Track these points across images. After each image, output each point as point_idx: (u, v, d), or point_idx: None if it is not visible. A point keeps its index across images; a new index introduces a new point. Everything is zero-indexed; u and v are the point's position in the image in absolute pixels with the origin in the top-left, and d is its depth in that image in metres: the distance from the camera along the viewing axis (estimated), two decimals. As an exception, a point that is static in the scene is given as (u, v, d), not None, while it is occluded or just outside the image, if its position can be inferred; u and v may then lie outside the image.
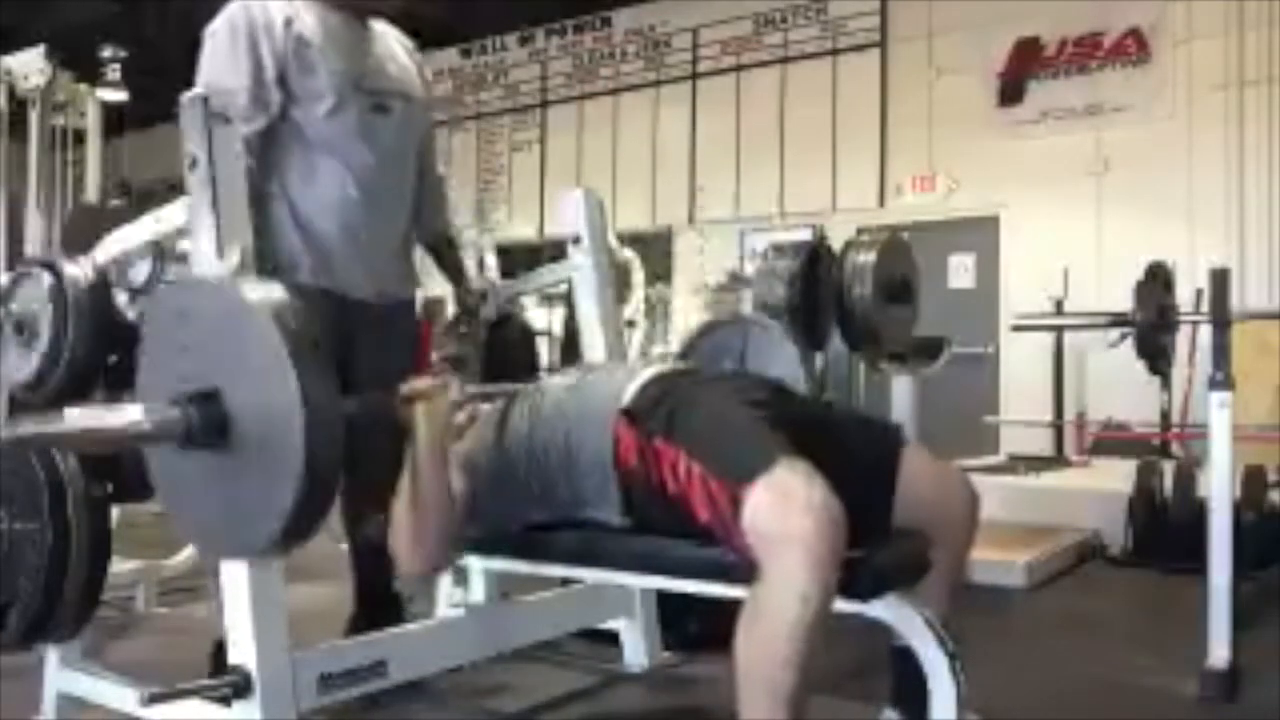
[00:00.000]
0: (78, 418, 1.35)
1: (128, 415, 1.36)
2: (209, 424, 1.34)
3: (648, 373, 1.64)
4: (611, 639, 2.49)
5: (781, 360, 2.37)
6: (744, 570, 1.37)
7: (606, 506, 1.60)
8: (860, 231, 3.03)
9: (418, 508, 1.61)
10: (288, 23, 2.08)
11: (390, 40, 2.32)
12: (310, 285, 2.05)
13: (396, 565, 1.71)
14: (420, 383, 1.64)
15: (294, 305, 1.34)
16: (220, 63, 2.06)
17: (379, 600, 2.37)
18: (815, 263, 2.68)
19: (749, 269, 6.66)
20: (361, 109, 2.16)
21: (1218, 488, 2.38)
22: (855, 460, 1.58)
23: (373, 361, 2.11)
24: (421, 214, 2.39)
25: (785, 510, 1.32)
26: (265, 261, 1.93)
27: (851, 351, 3.07)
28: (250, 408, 1.32)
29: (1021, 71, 6.50)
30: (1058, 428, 6.10)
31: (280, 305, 1.33)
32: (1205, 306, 2.69)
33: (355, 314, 2.14)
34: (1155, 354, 2.68)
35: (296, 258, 2.10)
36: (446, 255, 2.51)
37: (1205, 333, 2.61)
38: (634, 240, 6.35)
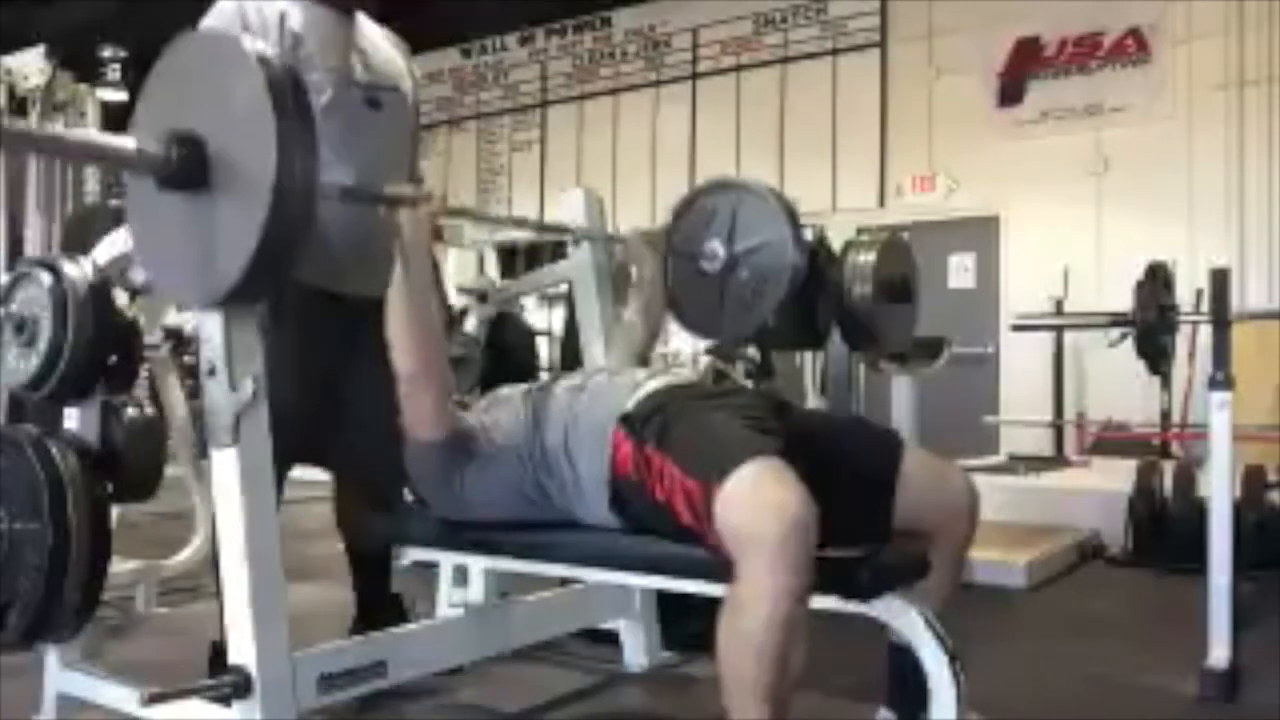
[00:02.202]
0: (76, 133, 1.42)
1: (118, 141, 1.44)
2: (189, 163, 1.39)
3: (651, 385, 1.65)
4: (611, 639, 2.49)
5: (772, 224, 2.37)
6: (725, 569, 1.37)
7: (599, 510, 1.61)
8: (860, 231, 3.02)
9: (412, 311, 1.64)
10: (282, 19, 2.09)
11: (376, 35, 2.32)
12: (309, 283, 2.05)
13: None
14: (404, 187, 1.67)
15: (286, 65, 1.41)
16: None
17: (380, 600, 2.38)
18: (815, 262, 2.68)
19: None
20: (355, 103, 2.16)
21: (1218, 488, 2.38)
22: (854, 466, 1.59)
23: (371, 359, 2.10)
24: None
25: (751, 510, 1.33)
26: None
27: (851, 351, 3.07)
28: (230, 154, 1.38)
29: (1021, 71, 6.50)
30: (1058, 428, 6.10)
31: (273, 61, 1.39)
32: (1205, 306, 2.69)
33: (353, 311, 2.14)
34: (1155, 354, 2.68)
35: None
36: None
37: (1205, 333, 2.62)
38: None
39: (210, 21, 2.07)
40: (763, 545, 1.30)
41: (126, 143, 1.43)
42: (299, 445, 2.09)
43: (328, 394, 2.15)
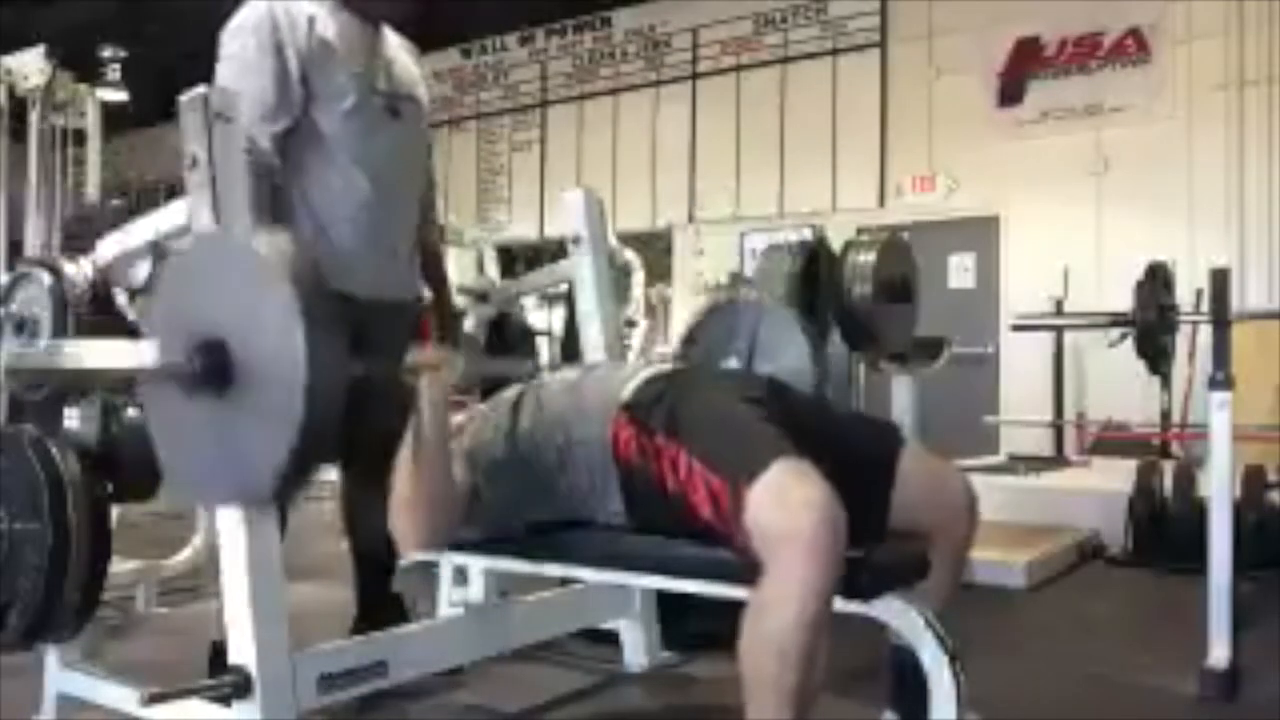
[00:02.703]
0: (95, 350, 1.39)
1: (140, 353, 1.43)
2: (213, 370, 1.37)
3: (647, 371, 1.65)
4: (611, 639, 2.49)
5: (792, 348, 2.36)
6: (745, 570, 1.37)
7: (606, 503, 1.61)
8: (860, 231, 3.02)
9: (419, 481, 1.61)
10: (311, 23, 2.10)
11: (397, 45, 2.34)
12: (328, 287, 2.06)
13: (398, 550, 1.70)
14: (426, 353, 1.64)
15: (306, 261, 1.38)
16: (246, 61, 2.06)
17: (380, 601, 2.38)
18: (815, 263, 2.68)
19: (749, 269, 6.66)
20: (376, 111, 2.18)
21: (1218, 488, 2.38)
22: (853, 459, 1.58)
23: (380, 357, 2.11)
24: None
25: (786, 509, 1.32)
26: None
27: (851, 351, 3.07)
28: (255, 359, 1.35)
29: (1021, 71, 6.50)
30: (1058, 428, 6.10)
31: (292, 259, 1.36)
32: (1205, 306, 2.69)
33: (367, 314, 2.15)
34: (1155, 354, 2.68)
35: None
36: (431, 263, 2.50)
37: (1205, 333, 2.62)
38: (634, 240, 6.35)
39: (243, 24, 2.08)
40: (794, 544, 1.29)
41: (148, 357, 1.40)
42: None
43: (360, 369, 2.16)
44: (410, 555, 1.70)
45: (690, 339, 2.46)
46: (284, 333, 1.30)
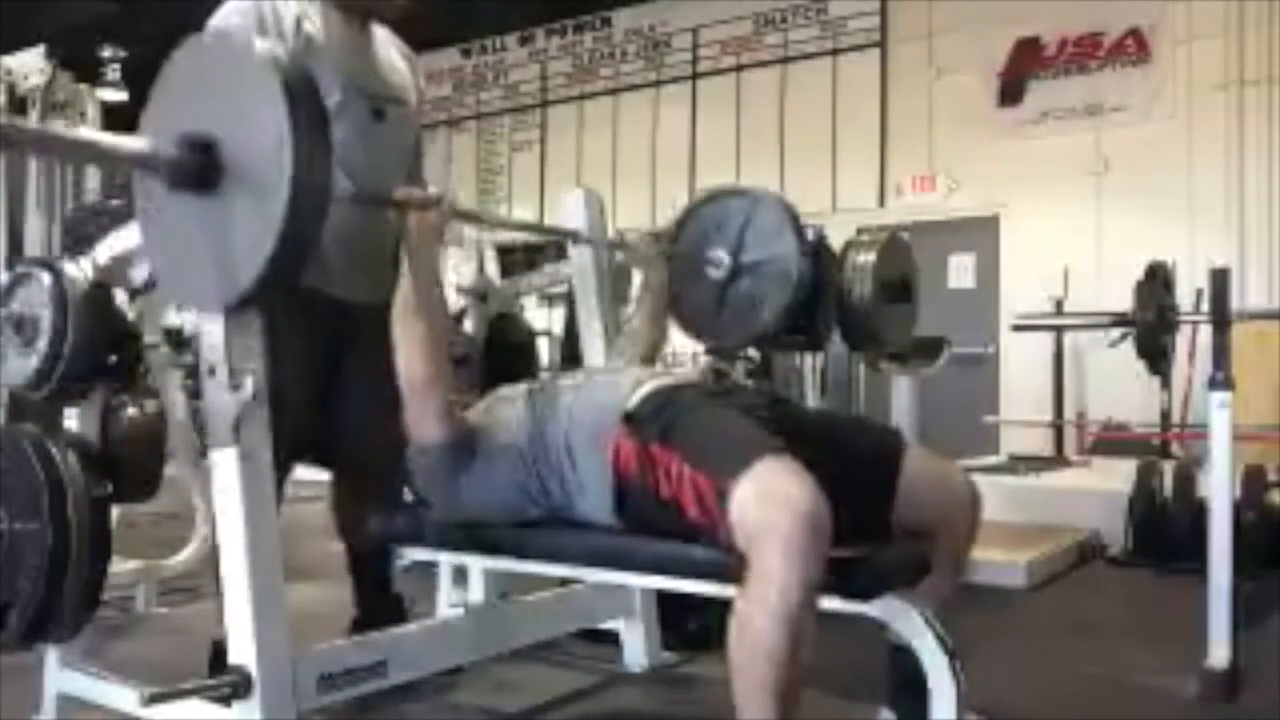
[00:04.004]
0: (81, 132, 1.40)
1: (129, 141, 1.42)
2: (201, 166, 1.38)
3: (651, 384, 1.65)
4: (611, 639, 2.49)
5: (781, 238, 2.36)
6: (734, 566, 1.37)
7: (602, 508, 1.61)
8: (860, 231, 3.02)
9: (415, 318, 1.65)
10: (298, 21, 2.09)
11: (389, 46, 2.32)
12: (308, 287, 2.05)
13: (409, 426, 1.69)
14: (413, 190, 1.68)
15: (301, 66, 1.40)
16: None
17: (380, 600, 2.38)
18: (815, 263, 2.68)
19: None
20: (360, 112, 2.16)
21: (1218, 488, 2.38)
22: (855, 463, 1.59)
23: (369, 363, 2.11)
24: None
25: (768, 505, 1.33)
26: None
27: (851, 351, 3.07)
28: (244, 158, 1.37)
29: (1021, 71, 6.51)
30: (1058, 428, 6.10)
31: (286, 62, 1.38)
32: (1205, 306, 2.69)
33: (351, 316, 2.14)
34: (1155, 354, 2.68)
35: None
36: None
37: (1205, 333, 2.61)
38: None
39: (227, 19, 2.05)
40: (777, 538, 1.30)
41: (138, 144, 1.42)
42: (298, 446, 2.10)
43: (324, 394, 2.15)
44: (426, 438, 1.69)
45: (680, 229, 2.45)
46: (272, 133, 1.32)
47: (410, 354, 1.67)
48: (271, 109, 1.33)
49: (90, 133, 1.50)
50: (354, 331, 2.13)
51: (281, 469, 2.11)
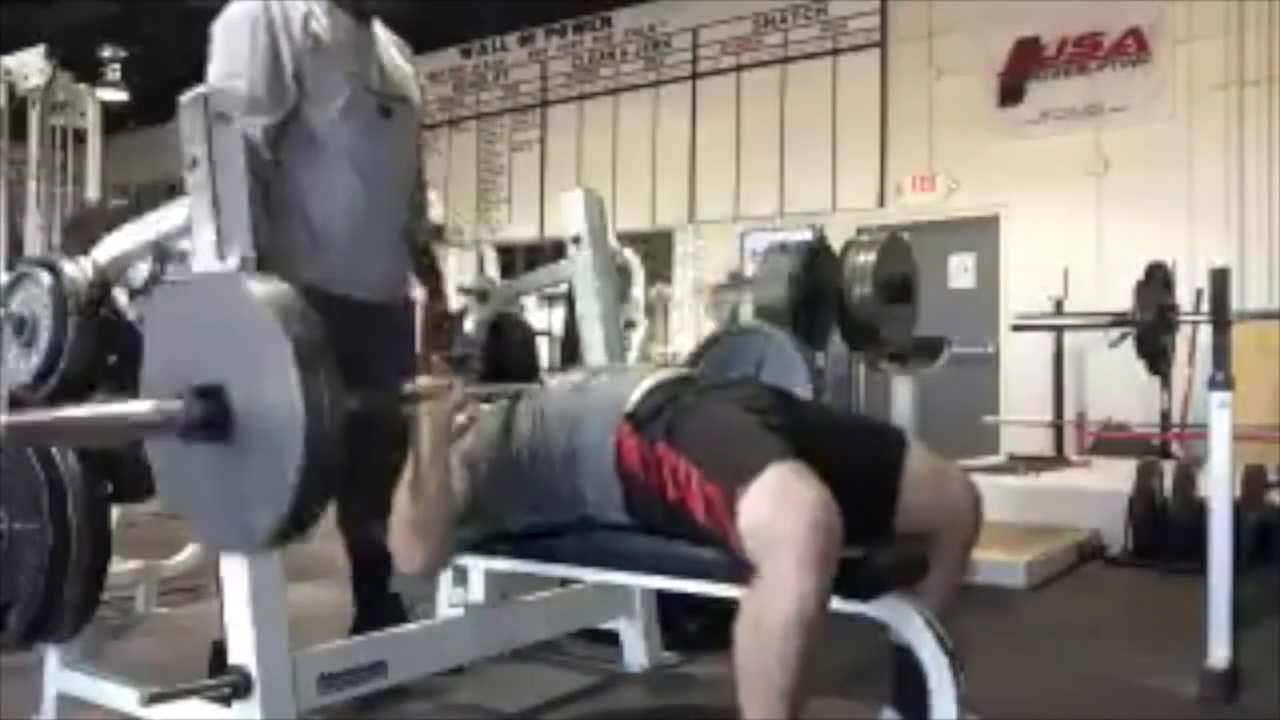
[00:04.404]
0: (83, 410, 1.36)
1: (133, 408, 1.38)
2: (210, 417, 1.33)
3: (652, 379, 1.64)
4: (611, 639, 2.49)
5: (794, 374, 2.38)
6: (743, 570, 1.37)
7: (608, 509, 1.61)
8: (860, 231, 3.03)
9: (419, 508, 1.60)
10: (306, 20, 2.09)
11: (388, 43, 2.33)
12: (316, 285, 2.06)
13: (395, 564, 1.70)
14: (424, 381, 1.63)
15: (300, 302, 1.35)
16: (236, 54, 2.04)
17: (379, 601, 2.38)
18: (815, 263, 2.68)
19: (749, 269, 6.66)
20: (369, 110, 2.17)
21: (1218, 488, 2.38)
22: (858, 463, 1.58)
23: (376, 361, 2.11)
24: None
25: (779, 511, 1.33)
26: (272, 258, 1.94)
27: (851, 351, 3.07)
28: (253, 404, 1.32)
29: (1021, 71, 6.51)
30: (1058, 428, 6.10)
31: (286, 302, 1.34)
32: (1205, 306, 2.69)
33: (358, 314, 2.14)
34: (1155, 354, 2.68)
35: (303, 256, 2.10)
36: (422, 262, 2.50)
37: (1205, 333, 2.61)
38: (634, 240, 6.35)
39: (234, 19, 2.06)
40: (790, 544, 1.29)
41: (143, 409, 1.37)
42: None
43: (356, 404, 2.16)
44: (409, 574, 1.70)
45: (699, 358, 2.48)
46: (280, 381, 1.27)
47: (402, 545, 1.64)
48: (276, 352, 1.28)
49: (92, 414, 1.45)
50: (363, 330, 2.13)
51: None
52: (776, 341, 2.42)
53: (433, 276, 2.51)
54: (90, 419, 1.40)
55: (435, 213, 3.08)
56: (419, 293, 2.53)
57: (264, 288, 1.36)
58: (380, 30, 2.31)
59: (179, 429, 1.34)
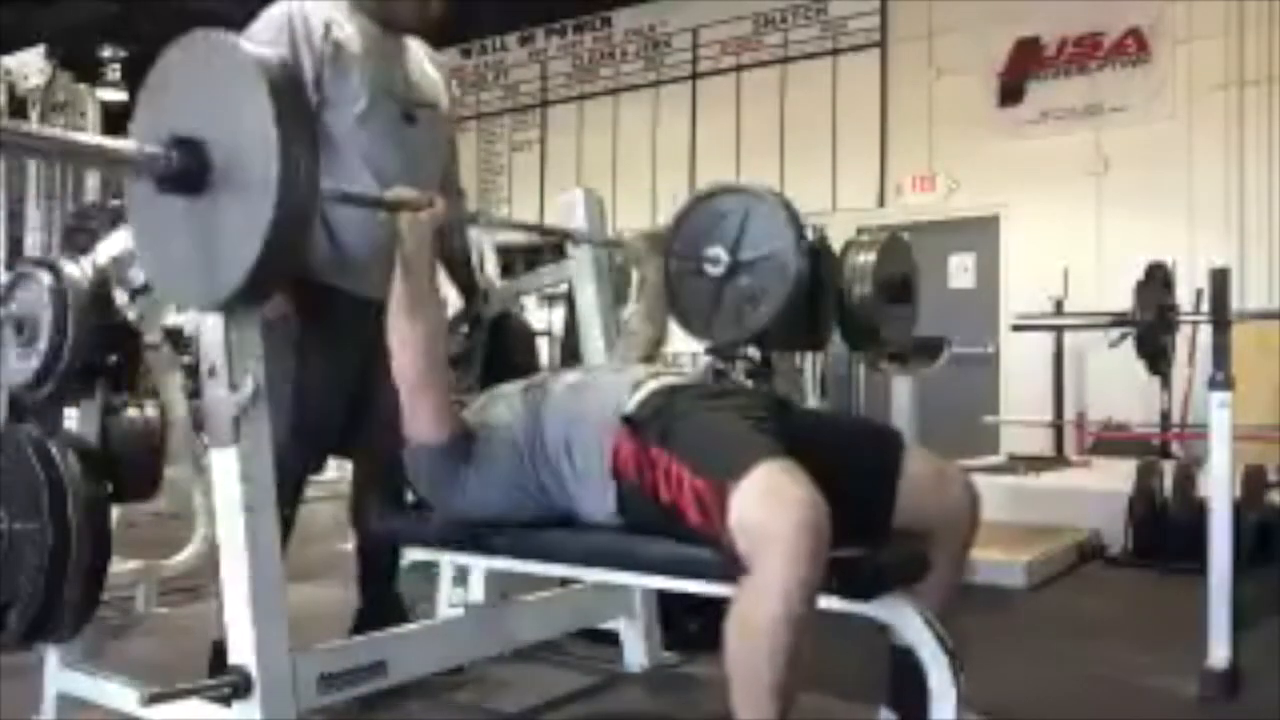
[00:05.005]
0: (76, 135, 1.40)
1: (117, 143, 1.43)
2: (188, 167, 1.38)
3: (651, 384, 1.65)
4: (611, 639, 2.49)
5: (778, 237, 2.36)
6: (735, 570, 1.37)
7: (601, 509, 1.61)
8: (860, 231, 3.03)
9: (410, 317, 1.65)
10: (327, 27, 2.11)
11: (421, 54, 2.34)
12: (336, 288, 2.09)
13: (409, 425, 1.69)
14: (405, 191, 1.69)
15: (287, 66, 1.41)
16: None
17: (383, 601, 2.38)
18: (815, 263, 2.68)
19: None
20: (391, 116, 2.18)
21: (1218, 488, 2.38)
22: (856, 465, 1.59)
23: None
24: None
25: (768, 508, 1.33)
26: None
27: (851, 351, 3.07)
28: (232, 160, 1.37)
29: (1021, 71, 6.51)
30: (1058, 428, 6.11)
31: (274, 65, 1.38)
32: (1205, 306, 2.69)
33: (378, 315, 2.15)
34: (1155, 354, 2.68)
35: (322, 258, 2.11)
36: (459, 270, 2.51)
37: (1205, 333, 2.61)
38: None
39: (260, 27, 2.10)
40: (778, 542, 1.30)
41: (126, 145, 1.43)
42: (326, 447, 2.12)
43: (352, 393, 2.17)
44: (423, 437, 1.69)
45: (677, 227, 2.45)
46: (259, 136, 1.32)
47: (403, 355, 1.66)
48: (258, 111, 1.33)
49: (77, 134, 1.51)
50: (380, 330, 2.14)
51: (308, 469, 2.13)
52: (761, 203, 2.39)
53: (466, 287, 2.51)
54: (74, 142, 1.45)
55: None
56: (453, 297, 2.54)
57: (254, 49, 1.40)
58: (413, 41, 2.32)
59: (157, 174, 1.40)
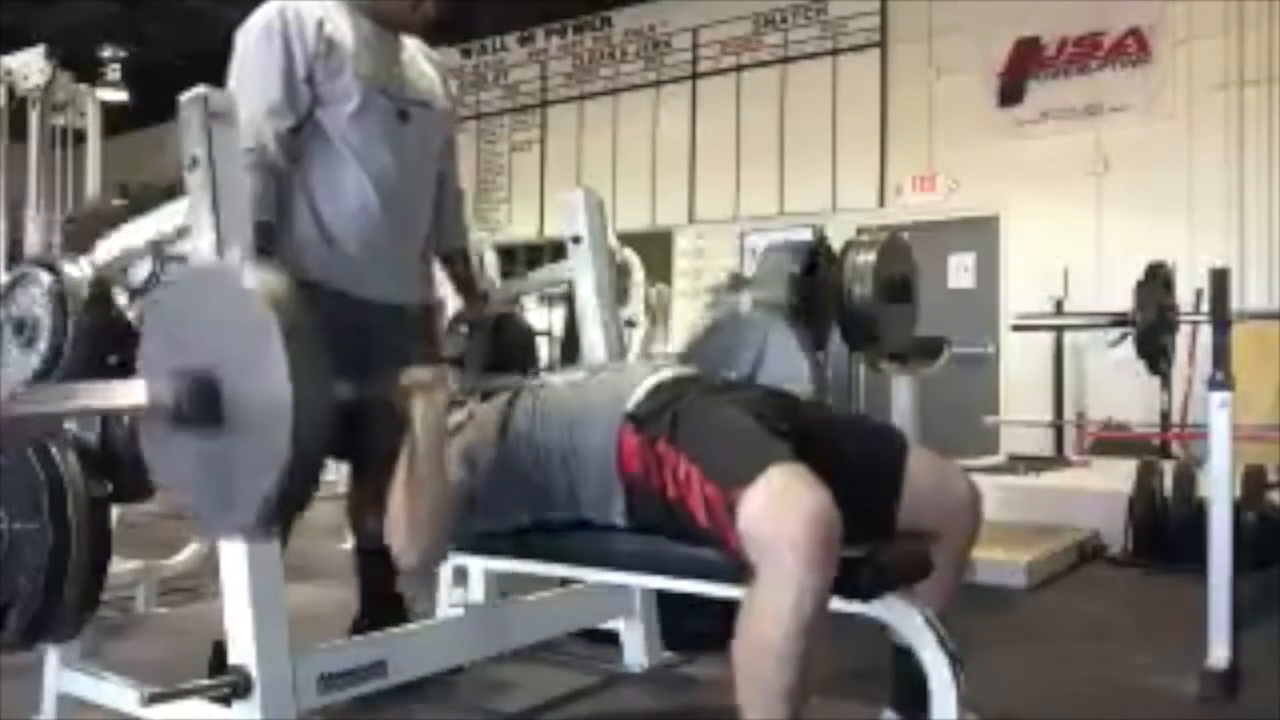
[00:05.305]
0: (77, 393, 1.37)
1: (126, 390, 1.41)
2: (201, 402, 1.35)
3: (653, 379, 1.64)
4: (611, 639, 2.49)
5: (794, 366, 2.36)
6: (742, 571, 1.37)
7: (608, 509, 1.60)
8: (860, 231, 3.02)
9: (414, 501, 1.60)
10: (320, 25, 2.11)
11: (417, 52, 2.34)
12: (329, 286, 2.08)
13: (394, 559, 1.70)
14: (418, 373, 1.63)
15: (293, 291, 1.36)
16: (253, 59, 2.09)
17: (382, 600, 2.38)
18: (815, 263, 2.68)
19: (749, 269, 6.65)
20: (385, 114, 2.18)
21: (1218, 488, 2.38)
22: (860, 465, 1.58)
23: (384, 359, 2.11)
24: (439, 224, 2.41)
25: (779, 512, 1.33)
26: (285, 259, 1.96)
27: (851, 352, 3.06)
28: (243, 391, 1.34)
29: (1021, 71, 6.51)
30: (1058, 428, 6.11)
31: (278, 291, 1.35)
32: (1205, 306, 2.69)
33: (373, 316, 2.15)
34: (1155, 354, 2.67)
35: (316, 258, 2.11)
36: (459, 268, 2.51)
37: (1205, 333, 2.61)
38: (634, 240, 6.34)
39: (253, 25, 2.11)
40: (789, 546, 1.29)
41: (139, 395, 1.39)
42: (327, 449, 2.11)
43: (351, 393, 2.16)
44: (406, 569, 1.70)
45: (690, 354, 2.46)
46: (270, 373, 1.29)
47: (396, 536, 1.63)
48: (269, 347, 1.29)
49: (87, 394, 1.48)
50: (381, 331, 2.14)
51: None
52: (778, 334, 2.40)
53: (466, 285, 2.51)
54: (84, 406, 1.42)
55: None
56: (450, 298, 2.54)
57: (258, 278, 1.37)
58: (409, 39, 2.32)
59: (170, 414, 1.37)
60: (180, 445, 1.41)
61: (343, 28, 2.15)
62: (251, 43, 2.10)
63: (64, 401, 1.43)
